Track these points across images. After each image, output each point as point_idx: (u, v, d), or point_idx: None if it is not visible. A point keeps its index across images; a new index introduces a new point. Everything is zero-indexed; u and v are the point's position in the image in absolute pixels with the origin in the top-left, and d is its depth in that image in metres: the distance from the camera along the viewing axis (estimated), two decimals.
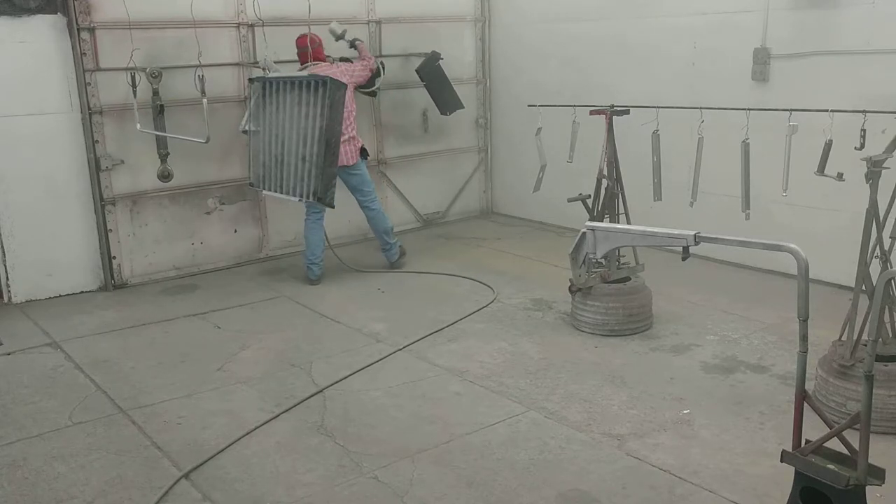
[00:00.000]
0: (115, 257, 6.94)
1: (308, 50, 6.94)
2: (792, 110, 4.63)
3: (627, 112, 5.67)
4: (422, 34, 8.37)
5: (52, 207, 6.61)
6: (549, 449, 4.05)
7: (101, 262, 6.89)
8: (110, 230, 6.90)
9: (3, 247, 6.49)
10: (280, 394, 4.78)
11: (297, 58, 7.05)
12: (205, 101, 6.22)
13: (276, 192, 6.70)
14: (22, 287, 6.61)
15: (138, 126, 6.63)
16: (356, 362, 5.18)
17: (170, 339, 5.76)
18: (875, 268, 3.98)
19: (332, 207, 6.51)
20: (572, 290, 5.64)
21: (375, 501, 3.65)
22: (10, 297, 6.59)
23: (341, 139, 6.54)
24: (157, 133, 6.80)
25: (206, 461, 4.01)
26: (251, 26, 7.25)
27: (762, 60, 6.44)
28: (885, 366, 4.07)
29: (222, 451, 4.11)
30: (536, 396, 4.64)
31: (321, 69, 6.69)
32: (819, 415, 3.23)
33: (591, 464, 3.90)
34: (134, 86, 6.62)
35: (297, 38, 6.97)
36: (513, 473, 3.84)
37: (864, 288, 4.11)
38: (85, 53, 6.55)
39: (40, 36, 6.38)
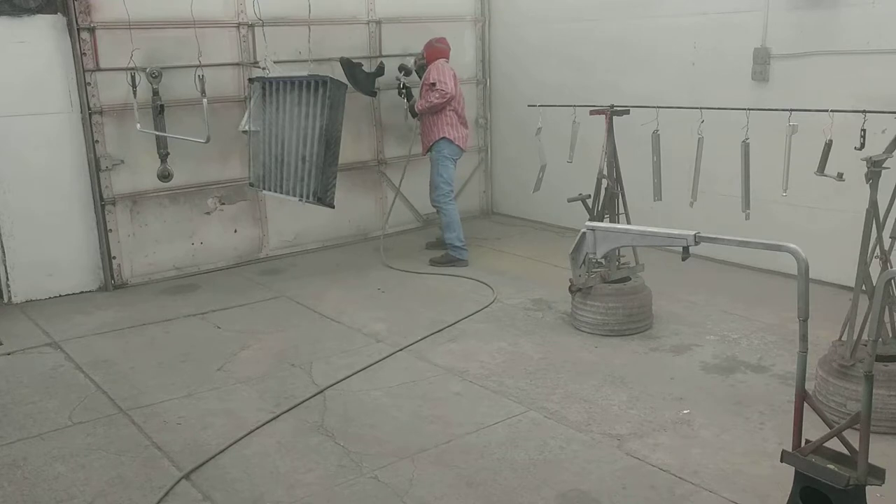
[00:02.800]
0: (115, 257, 6.94)
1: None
2: (792, 110, 4.63)
3: (627, 112, 5.67)
4: (422, 34, 8.35)
5: (51, 207, 6.61)
6: (549, 449, 4.05)
7: (101, 262, 6.89)
8: (110, 230, 6.90)
9: (3, 247, 6.49)
10: (280, 394, 4.78)
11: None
12: (205, 101, 6.22)
13: (276, 192, 6.69)
14: (22, 287, 6.61)
15: (138, 126, 6.63)
16: (356, 362, 5.18)
17: (170, 339, 5.76)
18: (875, 268, 3.99)
19: (332, 207, 6.50)
20: (572, 290, 5.64)
21: (375, 501, 3.65)
22: (10, 297, 6.59)
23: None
24: (157, 133, 6.80)
25: (207, 461, 4.01)
26: (251, 26, 7.25)
27: (762, 60, 6.44)
28: (885, 366, 4.07)
29: (222, 451, 4.11)
30: (536, 396, 4.64)
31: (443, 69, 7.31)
32: (819, 415, 3.23)
33: (591, 464, 3.90)
34: (134, 86, 6.62)
35: (442, 39, 7.47)
36: (513, 473, 3.84)
37: (864, 288, 4.11)
38: (85, 53, 6.55)
39: (40, 36, 6.38)
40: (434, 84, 7.20)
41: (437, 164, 7.44)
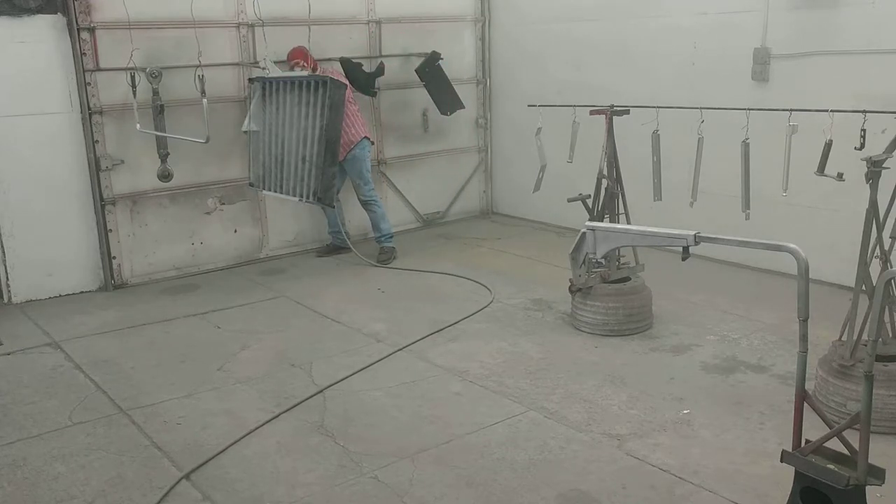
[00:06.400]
0: (115, 257, 6.94)
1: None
2: (792, 110, 4.63)
3: (627, 112, 5.67)
4: (422, 34, 8.38)
5: (52, 207, 6.61)
6: (549, 449, 4.05)
7: (101, 262, 6.89)
8: (110, 230, 6.90)
9: (3, 247, 6.49)
10: (280, 394, 4.78)
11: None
12: (205, 101, 6.22)
13: (276, 192, 6.71)
14: (22, 287, 6.61)
15: (138, 126, 6.63)
16: (356, 362, 5.18)
17: (170, 339, 5.76)
18: (875, 268, 3.99)
19: (333, 207, 6.53)
20: (572, 290, 5.64)
21: (375, 501, 3.65)
22: (10, 297, 6.59)
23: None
24: (157, 133, 6.80)
25: (207, 461, 4.01)
26: (251, 26, 7.25)
27: (762, 60, 6.44)
28: (885, 366, 4.07)
29: (222, 451, 4.11)
30: (536, 396, 4.64)
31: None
32: (819, 415, 3.23)
33: (591, 464, 3.90)
34: (134, 86, 6.62)
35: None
36: (513, 473, 3.84)
37: (864, 288, 4.11)
38: (85, 53, 6.55)
39: (40, 36, 6.37)
40: None
41: (363, 162, 7.34)
